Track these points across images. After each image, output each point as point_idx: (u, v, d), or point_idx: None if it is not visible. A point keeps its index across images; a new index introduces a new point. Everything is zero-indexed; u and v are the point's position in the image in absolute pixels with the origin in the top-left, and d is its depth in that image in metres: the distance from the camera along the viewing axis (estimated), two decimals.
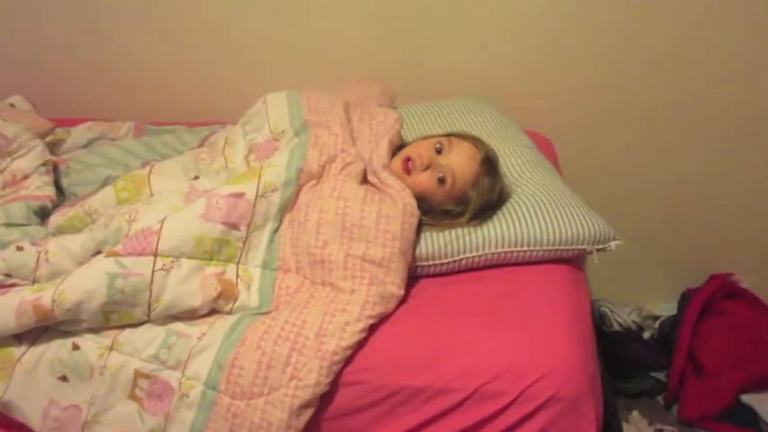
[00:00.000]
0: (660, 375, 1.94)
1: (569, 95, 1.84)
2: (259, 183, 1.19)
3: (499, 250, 1.23)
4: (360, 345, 1.08)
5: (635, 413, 1.85)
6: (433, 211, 1.26)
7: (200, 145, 1.52)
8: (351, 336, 1.06)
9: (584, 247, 1.24)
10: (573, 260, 1.29)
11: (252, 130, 1.36)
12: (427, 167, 1.27)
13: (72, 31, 1.91)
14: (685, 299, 1.98)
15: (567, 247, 1.23)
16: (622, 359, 1.93)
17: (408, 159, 1.28)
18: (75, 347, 1.09)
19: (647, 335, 2.03)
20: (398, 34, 1.80)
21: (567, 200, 1.30)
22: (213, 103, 1.88)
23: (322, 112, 1.35)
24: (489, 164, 1.29)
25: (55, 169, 1.43)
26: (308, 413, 1.02)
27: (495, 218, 1.26)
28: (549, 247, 1.23)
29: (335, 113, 1.35)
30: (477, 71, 1.81)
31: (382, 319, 1.13)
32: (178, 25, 1.86)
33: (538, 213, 1.25)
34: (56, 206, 1.34)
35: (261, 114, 1.37)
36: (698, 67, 1.76)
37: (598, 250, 1.26)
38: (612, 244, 1.26)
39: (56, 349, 1.09)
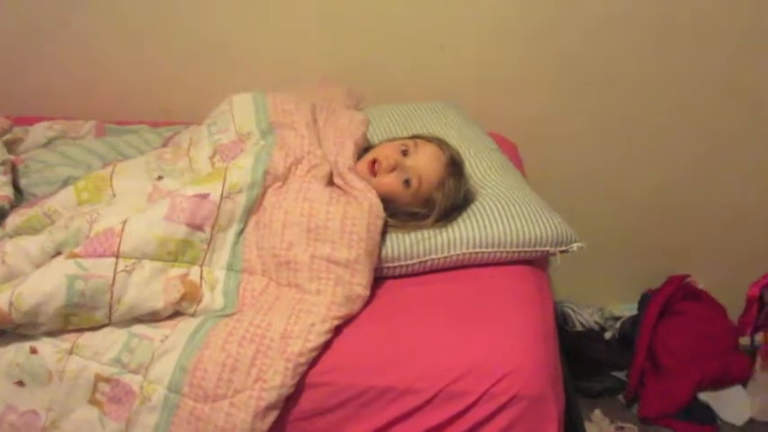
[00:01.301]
0: (621, 374, 1.98)
1: (532, 97, 1.86)
2: (224, 184, 1.18)
3: (464, 252, 1.24)
4: (325, 346, 1.07)
5: (597, 412, 1.89)
6: (398, 213, 1.27)
7: (164, 145, 1.49)
8: (316, 337, 1.06)
9: (547, 248, 1.26)
10: (536, 262, 1.31)
11: (217, 131, 1.35)
12: (393, 169, 1.27)
13: (31, 26, 1.86)
14: (645, 300, 2.03)
15: (530, 248, 1.25)
16: (584, 359, 1.96)
17: (374, 162, 1.28)
18: (33, 351, 1.06)
19: (608, 335, 2.08)
20: (359, 36, 1.80)
21: (531, 202, 1.32)
22: (176, 103, 1.85)
23: (288, 113, 1.34)
24: (454, 166, 1.31)
25: (12, 169, 1.39)
26: (273, 415, 1.02)
27: (460, 220, 1.27)
28: (513, 249, 1.25)
29: (302, 115, 1.34)
30: (438, 73, 1.82)
31: (347, 321, 1.13)
32: (140, 23, 1.83)
33: (502, 215, 1.27)
34: (13, 207, 1.30)
35: (226, 115, 1.36)
36: (664, 75, 1.80)
37: (561, 252, 1.28)
38: (574, 246, 1.28)
39: (12, 353, 1.06)
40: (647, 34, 1.76)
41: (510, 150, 1.67)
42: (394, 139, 1.37)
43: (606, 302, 2.16)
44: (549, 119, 1.89)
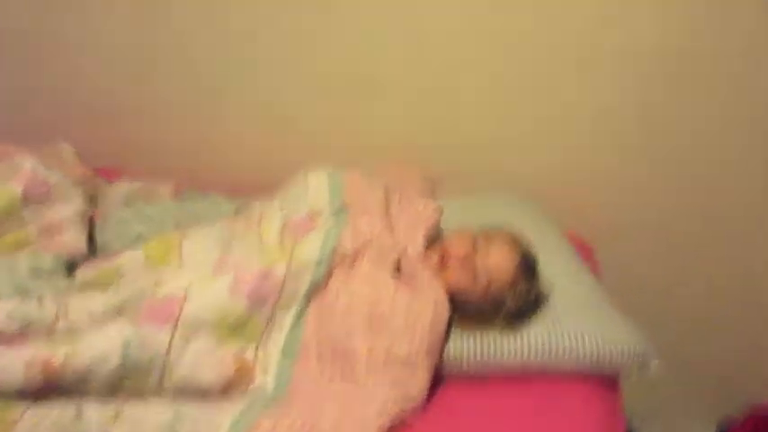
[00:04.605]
0: None
1: (612, 198, 1.79)
2: (290, 261, 1.16)
3: (531, 360, 1.16)
4: None
5: None
6: (465, 310, 1.21)
7: (236, 215, 1.50)
8: None
9: (621, 365, 1.17)
10: (609, 377, 1.21)
11: (288, 206, 1.34)
12: (463, 265, 1.22)
13: (109, 82, 1.87)
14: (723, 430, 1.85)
15: (603, 364, 1.16)
16: None
17: (444, 255, 1.24)
18: (78, 415, 1.03)
19: None
20: (440, 122, 1.77)
21: (607, 314, 1.24)
22: (251, 174, 1.86)
23: (362, 195, 1.33)
24: (527, 266, 1.25)
25: (90, 222, 1.42)
26: None
27: (529, 324, 1.20)
28: (585, 361, 1.16)
29: (375, 198, 1.32)
30: (520, 172, 1.77)
31: (400, 422, 1.05)
32: (225, 96, 1.85)
33: (575, 325, 1.19)
34: (86, 260, 1.32)
35: (299, 191, 1.35)
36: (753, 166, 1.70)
37: (636, 371, 1.18)
38: (653, 365, 1.19)
39: (57, 414, 1.03)
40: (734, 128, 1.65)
41: (586, 253, 1.59)
42: (466, 232, 1.32)
43: (675, 429, 1.98)
44: (630, 224, 1.81)
